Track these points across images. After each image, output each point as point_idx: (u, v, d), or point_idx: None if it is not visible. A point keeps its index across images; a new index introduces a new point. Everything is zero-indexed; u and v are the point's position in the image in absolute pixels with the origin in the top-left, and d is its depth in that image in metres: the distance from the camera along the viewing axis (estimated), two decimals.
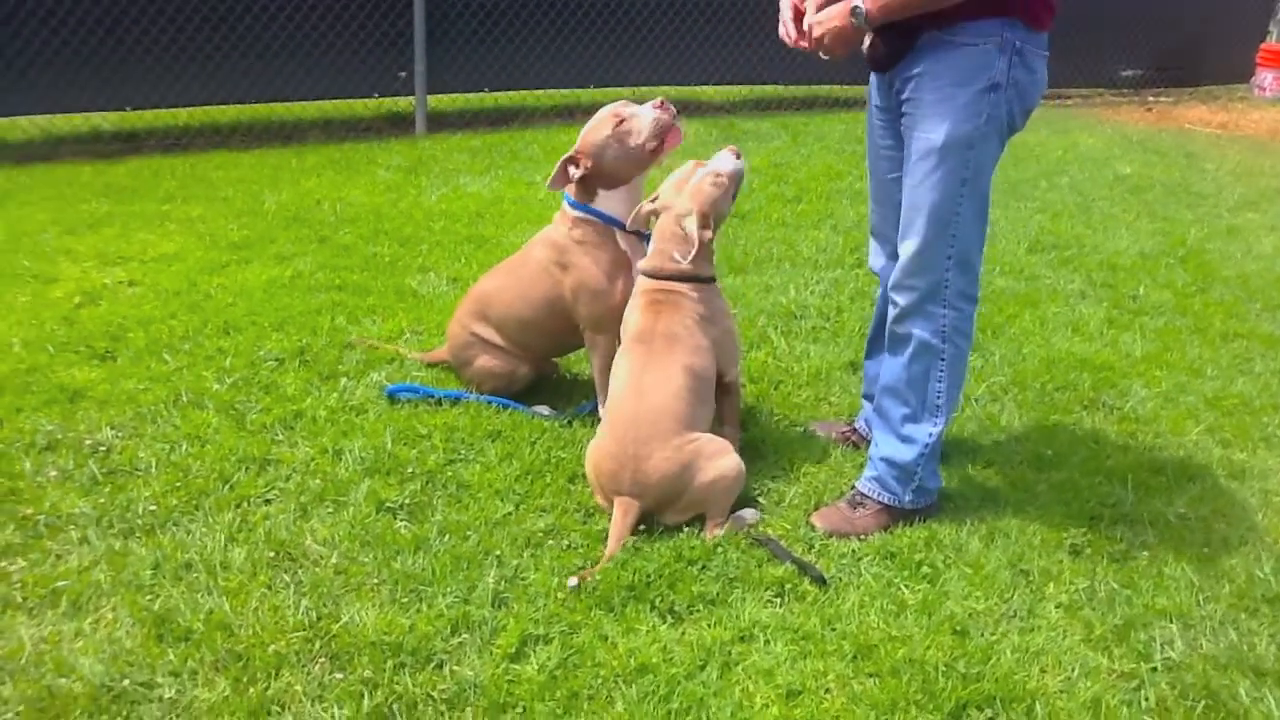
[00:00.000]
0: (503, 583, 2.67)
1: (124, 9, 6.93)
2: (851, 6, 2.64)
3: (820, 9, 2.75)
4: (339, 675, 2.34)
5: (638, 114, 3.26)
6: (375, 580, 2.68)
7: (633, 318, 3.11)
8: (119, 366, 3.77)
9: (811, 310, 4.49)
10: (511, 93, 8.55)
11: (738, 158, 3.17)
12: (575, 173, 3.27)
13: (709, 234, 3.06)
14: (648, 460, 2.83)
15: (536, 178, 6.54)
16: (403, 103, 8.04)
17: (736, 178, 3.17)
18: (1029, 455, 3.37)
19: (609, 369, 3.33)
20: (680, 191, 3.11)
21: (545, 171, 6.66)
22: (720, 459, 2.87)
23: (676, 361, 2.96)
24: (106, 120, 7.38)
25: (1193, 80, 11.14)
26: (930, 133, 2.70)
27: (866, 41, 2.76)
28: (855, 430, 3.42)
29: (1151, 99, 10.70)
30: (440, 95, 8.22)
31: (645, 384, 2.93)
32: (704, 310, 3.07)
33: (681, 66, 8.82)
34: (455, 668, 2.38)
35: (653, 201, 3.18)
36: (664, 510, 2.87)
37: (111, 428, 3.35)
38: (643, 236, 3.33)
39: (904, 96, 2.77)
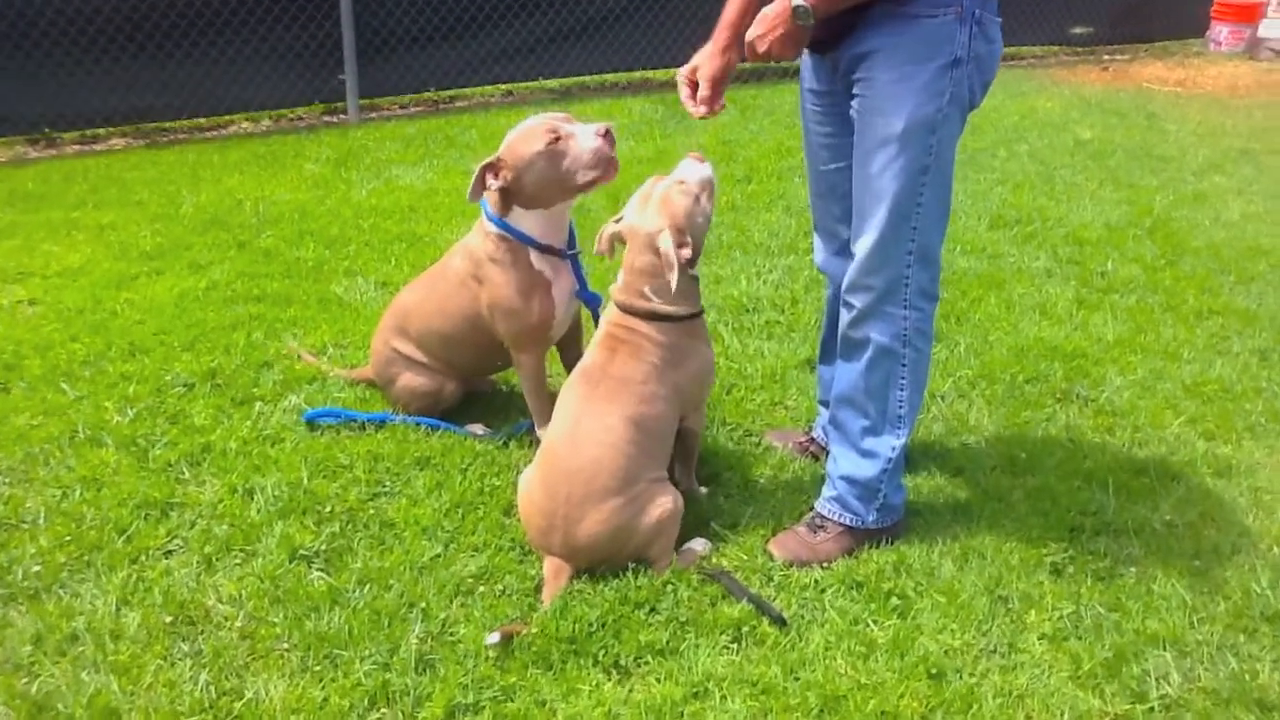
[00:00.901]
0: (429, 641, 2.40)
1: (43, 25, 6.51)
2: (793, 6, 2.35)
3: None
4: None
5: (576, 136, 2.85)
6: (285, 645, 2.40)
7: (589, 350, 2.75)
8: (11, 400, 3.44)
9: (764, 302, 4.23)
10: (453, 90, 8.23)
11: (702, 162, 2.70)
12: (494, 183, 2.91)
13: (688, 252, 2.62)
14: (579, 523, 2.52)
15: (473, 165, 6.15)
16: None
17: (707, 185, 2.68)
18: (1001, 459, 3.13)
19: (540, 389, 3.06)
20: (645, 207, 2.66)
21: (481, 158, 6.35)
22: (656, 506, 2.58)
23: (620, 411, 2.58)
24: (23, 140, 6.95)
25: (1147, 36, 10.92)
26: (888, 116, 2.43)
27: None
28: (814, 440, 3.16)
29: (1107, 57, 10.49)
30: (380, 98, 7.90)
31: (582, 433, 2.58)
32: (669, 355, 2.65)
33: (624, 52, 8.51)
34: None
35: (616, 222, 2.74)
36: (599, 567, 2.59)
37: None
38: (564, 255, 3.03)
39: (855, 77, 2.49)
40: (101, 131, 7.03)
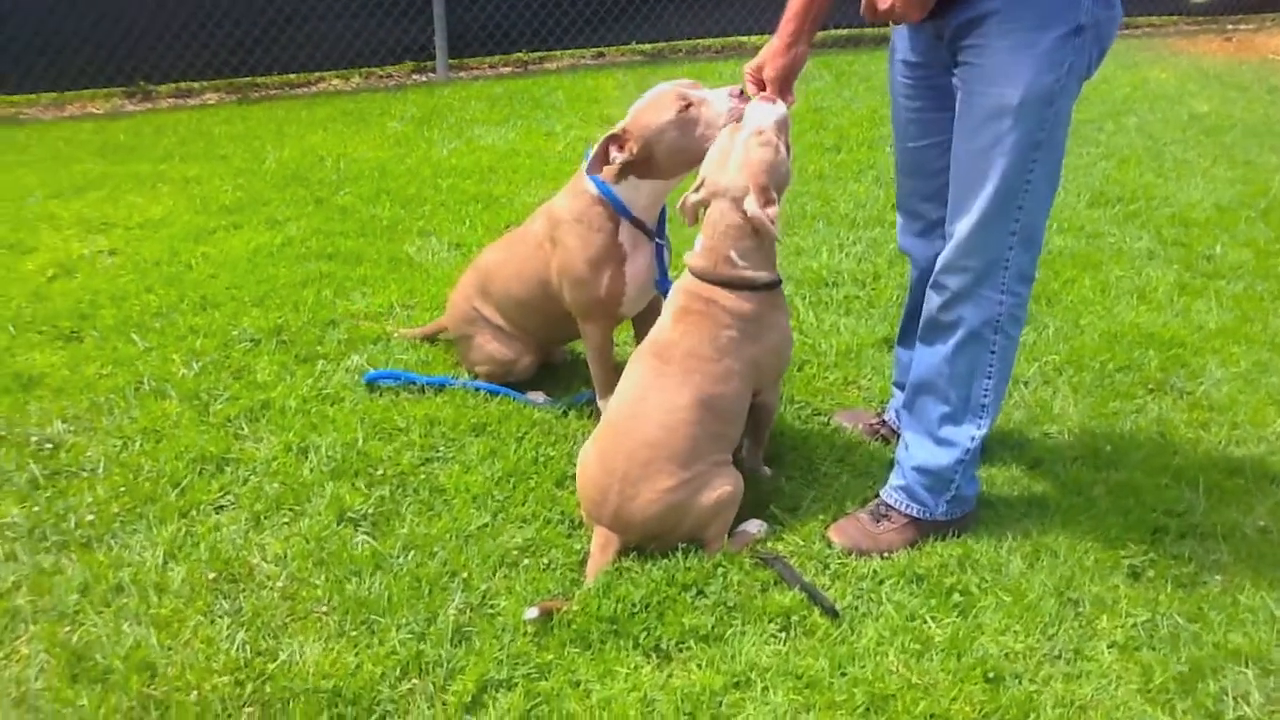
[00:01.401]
0: (467, 612, 2.34)
1: None
2: None
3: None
4: None
5: (709, 101, 2.65)
6: (324, 608, 2.37)
7: (661, 320, 2.62)
8: (83, 349, 3.48)
9: (845, 276, 4.06)
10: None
11: (772, 101, 2.48)
12: (618, 157, 2.71)
13: (775, 209, 2.45)
14: (633, 500, 2.43)
15: (556, 127, 6.13)
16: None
17: (783, 127, 2.49)
18: (1084, 451, 2.95)
19: (605, 360, 2.97)
20: (725, 167, 2.48)
21: (566, 120, 6.35)
22: (714, 488, 2.47)
23: (690, 390, 2.47)
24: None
25: (1275, 5, 10.30)
26: (1002, 87, 2.24)
27: None
28: (885, 423, 3.01)
29: (1230, 27, 9.92)
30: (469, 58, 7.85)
31: (647, 408, 2.48)
32: (746, 327, 2.51)
33: (718, 16, 8.34)
34: None
35: (697, 191, 2.54)
36: (650, 545, 2.51)
37: (63, 421, 3.07)
38: (649, 232, 2.87)
39: (964, 44, 2.30)
40: (196, 85, 7.13)
